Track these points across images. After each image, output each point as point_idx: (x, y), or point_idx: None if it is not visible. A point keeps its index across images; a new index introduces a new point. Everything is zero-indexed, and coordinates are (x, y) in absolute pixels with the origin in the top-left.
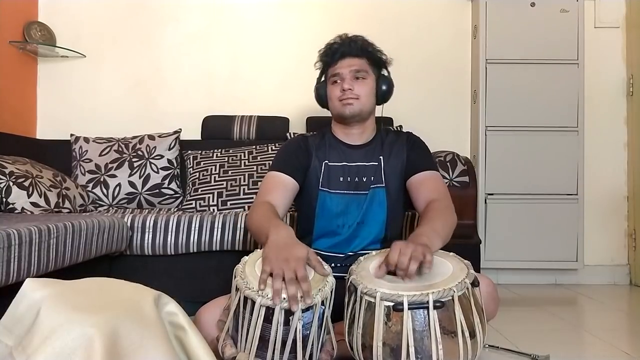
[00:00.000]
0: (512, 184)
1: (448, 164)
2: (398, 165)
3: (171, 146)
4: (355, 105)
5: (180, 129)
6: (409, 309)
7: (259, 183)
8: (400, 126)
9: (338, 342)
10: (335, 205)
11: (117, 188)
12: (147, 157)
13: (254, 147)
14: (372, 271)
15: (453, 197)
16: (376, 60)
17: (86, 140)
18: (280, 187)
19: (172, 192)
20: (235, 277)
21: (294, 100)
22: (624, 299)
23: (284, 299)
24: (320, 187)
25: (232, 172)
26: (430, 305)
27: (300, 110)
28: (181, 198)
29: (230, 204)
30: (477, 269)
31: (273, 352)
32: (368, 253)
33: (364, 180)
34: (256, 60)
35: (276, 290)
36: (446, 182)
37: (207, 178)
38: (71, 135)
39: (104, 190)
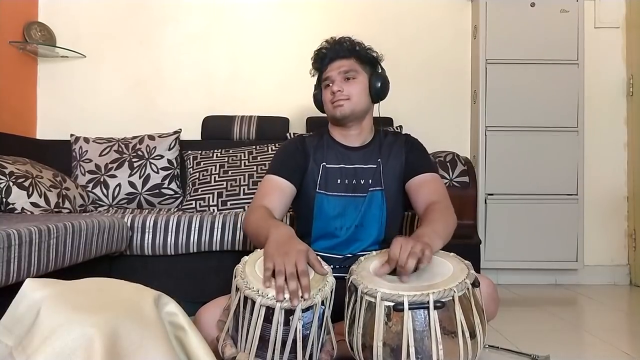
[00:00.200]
0: (512, 184)
1: (448, 164)
2: (397, 168)
3: (171, 146)
4: (346, 106)
5: (180, 129)
6: (409, 309)
7: (259, 183)
8: (400, 126)
9: (338, 342)
10: (333, 208)
11: (117, 188)
12: (147, 157)
13: (254, 147)
14: (373, 271)
15: (453, 197)
16: (366, 58)
17: (86, 140)
18: (277, 191)
19: (172, 192)
20: (235, 277)
21: (294, 100)
22: (624, 299)
23: (284, 299)
24: (317, 190)
25: (232, 172)
26: (431, 305)
27: (300, 110)
28: (181, 198)
29: (230, 204)
30: (477, 269)
31: (273, 352)
32: (368, 254)
33: (362, 182)
34: (256, 60)
35: (279, 287)
36: (446, 183)
37: (207, 178)
38: (71, 135)
39: (104, 191)
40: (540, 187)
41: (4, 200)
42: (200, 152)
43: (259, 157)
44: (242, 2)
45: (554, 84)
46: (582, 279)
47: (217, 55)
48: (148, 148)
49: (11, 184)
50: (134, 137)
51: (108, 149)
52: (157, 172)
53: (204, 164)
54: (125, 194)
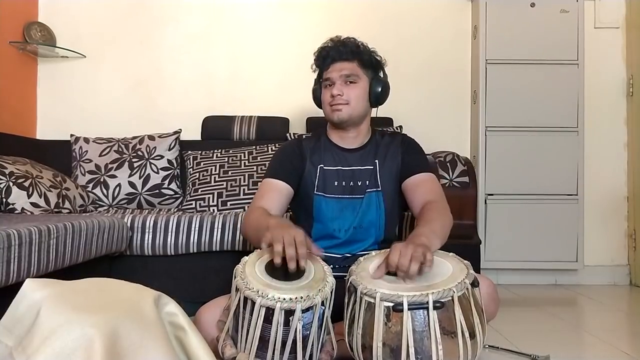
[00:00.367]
0: (512, 184)
1: (448, 164)
2: (393, 168)
3: (171, 146)
4: (344, 111)
5: (180, 129)
6: (408, 309)
7: (259, 183)
8: (400, 126)
9: (338, 343)
10: (331, 210)
11: (117, 188)
12: (147, 157)
13: (254, 147)
14: (372, 272)
15: (453, 197)
16: (369, 62)
17: (86, 140)
18: (274, 193)
19: (172, 193)
20: (235, 277)
21: (294, 100)
22: (624, 300)
23: (284, 299)
24: (315, 192)
25: (232, 173)
26: (430, 305)
27: (300, 111)
28: (181, 198)
29: (230, 205)
30: (477, 269)
31: (273, 353)
32: (367, 254)
33: (359, 184)
34: (256, 60)
35: (277, 252)
36: (446, 183)
37: (207, 178)
38: (71, 135)
39: (104, 191)
40: (540, 187)
41: (4, 200)
42: (200, 152)
43: (259, 157)
44: (242, 2)
45: (554, 84)
46: (582, 279)
47: (217, 55)
48: (148, 148)
49: (11, 184)
50: (134, 137)
51: (108, 149)
52: (157, 172)
53: (204, 164)
54: (125, 194)
